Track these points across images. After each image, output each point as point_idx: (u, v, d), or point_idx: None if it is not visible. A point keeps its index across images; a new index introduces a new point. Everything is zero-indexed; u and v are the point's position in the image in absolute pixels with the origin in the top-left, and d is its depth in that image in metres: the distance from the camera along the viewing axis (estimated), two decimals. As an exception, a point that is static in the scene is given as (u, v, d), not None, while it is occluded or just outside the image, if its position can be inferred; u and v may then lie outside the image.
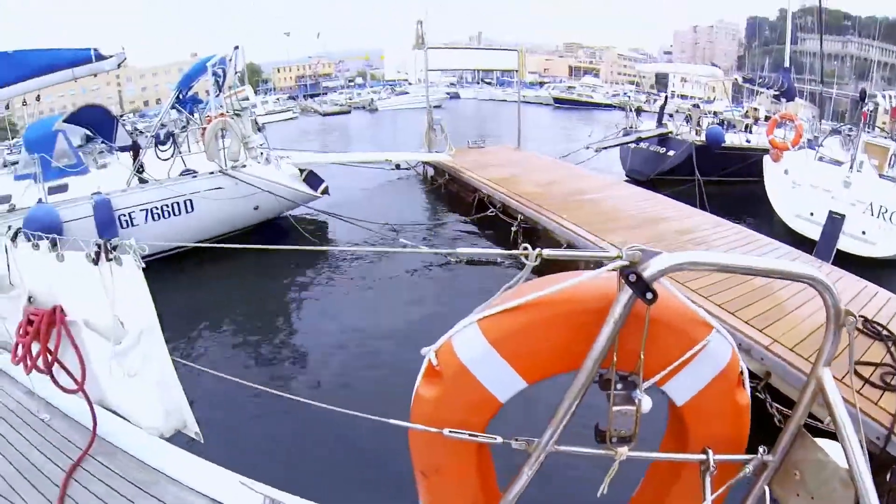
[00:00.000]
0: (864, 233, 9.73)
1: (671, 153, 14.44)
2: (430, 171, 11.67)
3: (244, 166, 7.96)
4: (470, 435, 1.44)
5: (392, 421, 1.48)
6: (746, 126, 17.95)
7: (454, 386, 1.45)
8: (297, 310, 5.92)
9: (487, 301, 1.50)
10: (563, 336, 1.39)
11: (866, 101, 12.61)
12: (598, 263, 1.34)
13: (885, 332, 5.03)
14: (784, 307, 5.35)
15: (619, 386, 1.41)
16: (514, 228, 8.00)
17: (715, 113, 18.40)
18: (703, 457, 1.49)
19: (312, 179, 8.54)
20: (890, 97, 14.33)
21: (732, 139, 15.62)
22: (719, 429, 1.54)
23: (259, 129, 9.02)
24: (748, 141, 15.91)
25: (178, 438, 2.36)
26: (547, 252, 1.34)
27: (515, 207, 8.30)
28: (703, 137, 14.50)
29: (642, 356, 1.36)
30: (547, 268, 1.47)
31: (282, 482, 2.02)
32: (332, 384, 4.68)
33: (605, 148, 14.65)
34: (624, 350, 1.37)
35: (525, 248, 1.36)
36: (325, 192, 8.60)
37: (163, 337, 2.13)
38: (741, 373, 1.53)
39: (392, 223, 7.91)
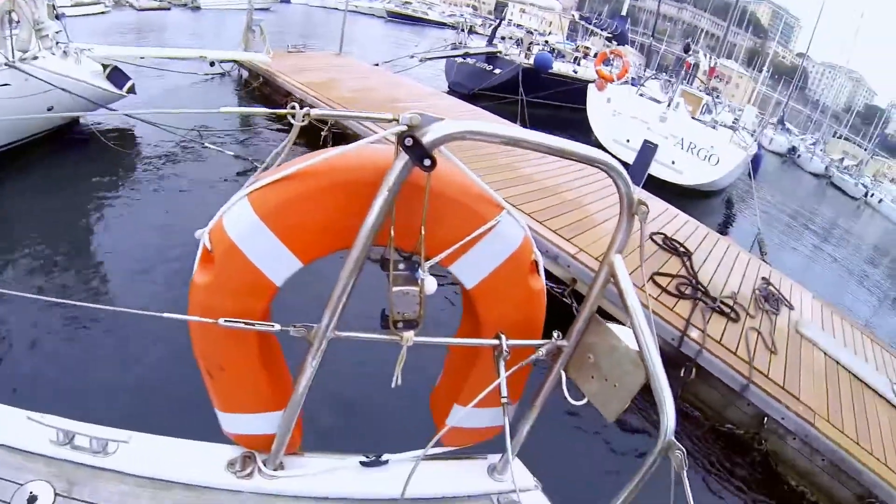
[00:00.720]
0: (673, 162, 11.02)
1: (497, 71, 14.63)
2: (245, 74, 10.57)
3: (35, 58, 6.50)
4: (245, 323, 1.28)
5: (165, 315, 1.26)
6: (576, 58, 19.01)
7: (226, 269, 1.27)
8: (93, 218, 5.07)
9: (258, 170, 1.28)
10: (337, 210, 1.24)
11: (689, 53, 14.27)
12: None
13: (681, 249, 5.76)
14: (592, 220, 5.78)
15: (401, 266, 1.31)
16: (323, 133, 7.56)
17: (547, 42, 19.05)
18: (495, 342, 1.46)
19: (117, 76, 7.21)
20: (709, 58, 16.26)
21: (560, 67, 16.42)
22: (512, 314, 1.52)
23: (57, 17, 7.33)
24: (575, 71, 16.88)
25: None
26: (315, 112, 1.15)
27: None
28: (531, 61, 14.94)
29: (423, 231, 1.26)
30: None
31: (78, 411, 1.70)
32: (128, 288, 4.14)
33: (430, 59, 14.32)
34: (405, 226, 1.26)
35: (293, 107, 1.15)
36: (132, 90, 7.31)
37: None
38: (535, 260, 1.51)
39: (200, 127, 6.99)
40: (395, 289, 1.29)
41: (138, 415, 2.59)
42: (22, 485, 1.38)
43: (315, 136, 7.39)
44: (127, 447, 1.55)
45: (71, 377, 3.21)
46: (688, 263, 5.44)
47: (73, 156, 6.07)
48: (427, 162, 1.11)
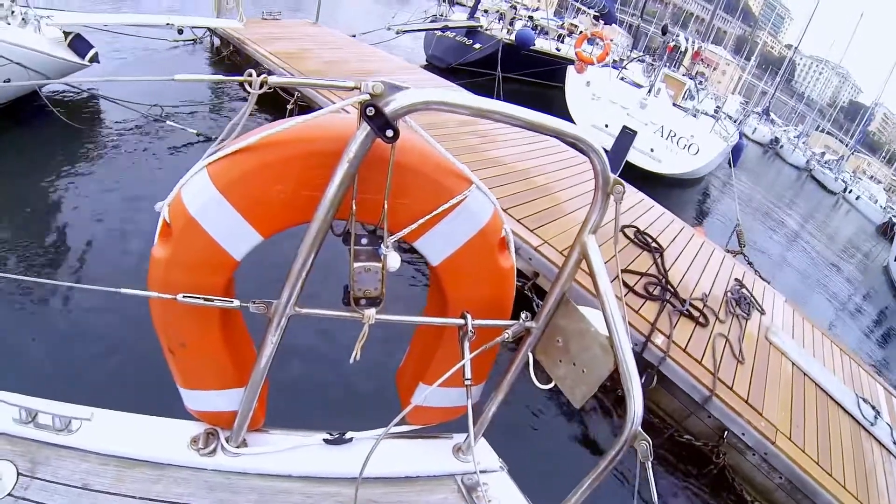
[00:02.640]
0: (652, 150, 10.79)
1: (477, 46, 14.13)
2: (217, 42, 10.16)
3: (-9, 28, 6.07)
4: (204, 299, 1.25)
5: (123, 290, 1.23)
6: (559, 36, 18.52)
7: (184, 243, 1.24)
8: (49, 193, 4.85)
9: (217, 141, 1.23)
10: (298, 181, 1.20)
11: (667, 34, 13.85)
12: None
13: (653, 245, 5.46)
14: (561, 209, 5.38)
15: (363, 241, 1.28)
16: (289, 106, 7.16)
17: (530, 17, 18.37)
18: (461, 321, 1.43)
19: (79, 44, 6.76)
20: (692, 42, 15.73)
21: (542, 44, 15.97)
22: (480, 293, 1.49)
23: (18, -18, 6.88)
24: (558, 49, 16.41)
25: None
26: (274, 79, 1.10)
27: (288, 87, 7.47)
28: (512, 37, 14.51)
29: (386, 205, 1.22)
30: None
31: (41, 389, 1.65)
32: (86, 263, 4.01)
33: (408, 31, 13.66)
34: (368, 199, 1.22)
35: (249, 75, 1.10)
36: (95, 59, 6.89)
37: None
38: (504, 237, 1.47)
39: (163, 102, 6.64)
40: (356, 264, 1.25)
41: (100, 391, 2.54)
42: None
43: (281, 109, 7.10)
44: (90, 424, 1.52)
45: (29, 354, 3.13)
46: (659, 261, 5.21)
47: (30, 129, 5.77)
48: (389, 133, 1.07)
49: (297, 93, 7.24)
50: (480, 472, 1.78)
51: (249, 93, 1.10)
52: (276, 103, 7.24)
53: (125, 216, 4.55)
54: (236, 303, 1.29)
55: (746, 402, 3.76)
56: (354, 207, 1.21)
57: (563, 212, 5.32)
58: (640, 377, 3.65)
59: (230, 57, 9.57)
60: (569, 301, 1.50)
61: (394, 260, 1.29)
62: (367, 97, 1.07)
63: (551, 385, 1.54)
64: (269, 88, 1.11)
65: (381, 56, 10.80)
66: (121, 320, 3.30)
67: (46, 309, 3.43)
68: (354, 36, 12.21)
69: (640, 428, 1.18)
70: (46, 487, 1.36)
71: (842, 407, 4.43)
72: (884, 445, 4.32)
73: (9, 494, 1.31)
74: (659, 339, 3.95)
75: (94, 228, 4.39)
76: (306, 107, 7.19)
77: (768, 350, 4.66)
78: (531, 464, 3.41)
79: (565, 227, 4.98)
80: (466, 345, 1.41)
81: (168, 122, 6.29)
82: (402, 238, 1.32)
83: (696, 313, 4.50)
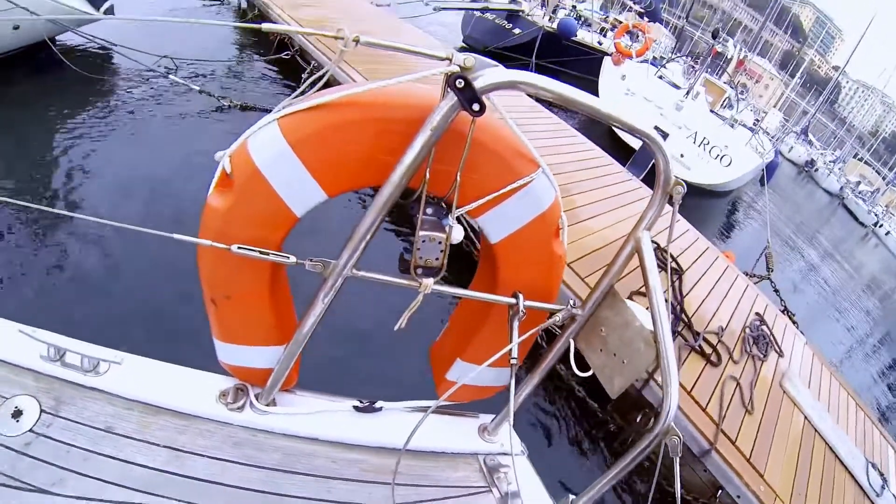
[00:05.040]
0: (682, 156, 10.31)
1: (517, 31, 13.64)
2: (244, 3, 9.96)
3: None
4: (261, 252, 1.24)
5: (176, 236, 1.22)
6: (602, 29, 17.99)
7: (246, 195, 1.23)
8: (59, 143, 4.83)
9: (293, 95, 1.22)
10: (372, 143, 1.19)
11: (717, 38, 13.19)
12: None
13: (673, 266, 5.00)
14: (574, 215, 4.95)
15: (429, 210, 1.27)
16: (304, 76, 6.64)
17: (574, 7, 17.85)
18: (513, 301, 1.44)
19: None
20: (738, 48, 15.16)
21: (584, 36, 15.48)
22: (532, 275, 1.50)
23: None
24: (600, 43, 15.86)
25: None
26: (365, 38, 1.08)
27: (311, 52, 7.08)
28: (554, 25, 14.11)
29: (458, 177, 1.22)
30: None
31: (69, 327, 1.65)
32: (119, 212, 4.03)
33: (446, 9, 13.18)
34: (440, 170, 1.21)
35: (340, 30, 1.08)
36: (110, 11, 6.56)
37: None
38: (560, 224, 1.48)
39: (178, 57, 6.27)
40: (421, 233, 1.25)
41: (130, 336, 2.57)
42: (7, 398, 1.35)
43: (297, 75, 6.85)
44: (119, 368, 1.52)
45: (61, 294, 3.16)
46: (676, 284, 4.81)
47: (43, 79, 5.61)
48: (476, 107, 1.06)
49: (312, 62, 6.94)
50: (504, 454, 1.79)
51: (342, 50, 1.08)
52: (293, 65, 7.16)
53: (138, 171, 4.52)
54: (293, 259, 1.28)
55: (748, 460, 3.42)
56: (428, 176, 1.20)
57: (576, 217, 4.93)
58: (636, 415, 3.20)
59: (254, 20, 9.25)
60: (616, 293, 1.51)
61: (458, 233, 1.29)
62: (457, 69, 1.06)
63: (589, 373, 1.55)
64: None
65: (409, 31, 10.22)
66: (150, 267, 3.32)
67: (78, 249, 3.45)
68: (389, 5, 11.63)
69: (672, 423, 1.19)
70: (69, 427, 1.36)
71: (850, 472, 4.09)
72: (887, 519, 3.98)
73: (30, 430, 1.31)
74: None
75: (107, 178, 4.36)
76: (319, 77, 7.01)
77: (781, 399, 4.28)
78: (549, 450, 3.42)
79: (579, 235, 4.59)
80: (516, 324, 1.41)
81: (174, 77, 5.97)
82: (467, 213, 1.31)
83: (708, 349, 4.10)
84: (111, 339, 1.66)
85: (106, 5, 6.30)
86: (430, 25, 12.23)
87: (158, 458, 1.39)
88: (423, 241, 1.26)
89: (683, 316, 4.30)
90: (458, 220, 1.30)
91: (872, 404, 7.80)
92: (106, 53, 6.48)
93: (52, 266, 3.31)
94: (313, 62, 7.02)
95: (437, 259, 1.30)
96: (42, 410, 1.36)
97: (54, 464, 1.28)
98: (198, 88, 5.70)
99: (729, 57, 14.21)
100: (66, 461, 1.30)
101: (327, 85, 1.22)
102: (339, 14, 9.42)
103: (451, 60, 1.07)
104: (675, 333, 4.09)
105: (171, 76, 5.98)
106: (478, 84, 1.05)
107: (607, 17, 20.01)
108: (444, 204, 1.29)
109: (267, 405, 1.61)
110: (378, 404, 1.74)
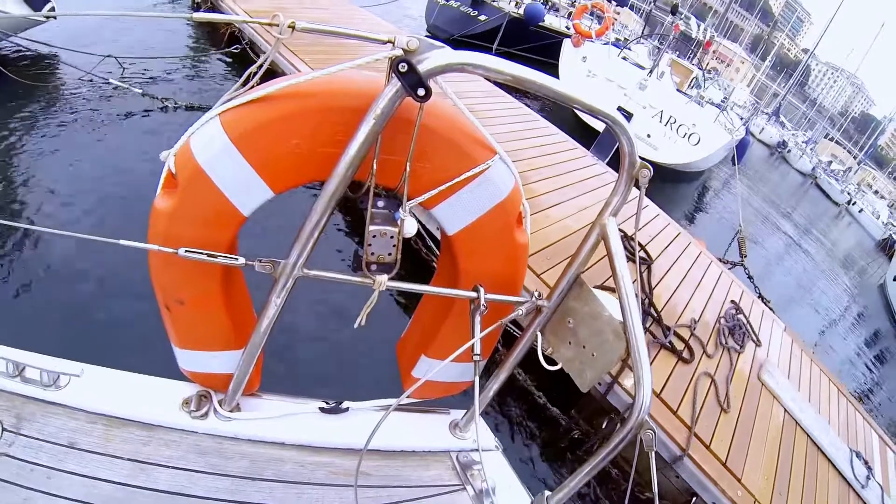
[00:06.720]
0: (648, 136, 10.05)
1: (483, 17, 13.30)
2: None
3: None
4: (207, 255, 1.19)
5: (123, 241, 1.16)
6: (570, 14, 17.54)
7: (190, 195, 1.17)
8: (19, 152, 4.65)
9: (232, 88, 1.17)
10: (316, 135, 1.14)
11: (677, 14, 12.89)
12: None
13: (641, 254, 4.73)
14: (537, 202, 4.77)
15: (380, 203, 1.23)
16: (252, 69, 6.84)
17: None
18: (473, 294, 1.40)
19: None
20: (703, 27, 15.00)
21: (552, 21, 15.19)
22: (494, 266, 1.45)
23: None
24: (568, 28, 15.30)
25: None
26: (302, 24, 1.03)
27: (261, 45, 6.85)
28: (521, 11, 13.72)
29: (408, 167, 1.17)
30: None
31: (26, 340, 1.61)
32: (79, 219, 3.91)
33: None
34: (389, 161, 1.17)
35: (275, 17, 1.03)
36: (52, 11, 6.21)
37: None
38: (521, 212, 1.43)
39: (125, 56, 5.92)
40: (371, 227, 1.21)
41: (89, 347, 2.48)
42: None
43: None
44: (79, 381, 1.48)
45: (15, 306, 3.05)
46: (645, 275, 4.52)
47: None
48: (421, 91, 1.02)
49: (262, 55, 6.82)
50: (476, 450, 1.76)
51: (278, 38, 1.03)
52: (245, 59, 6.87)
53: (94, 174, 4.37)
54: (241, 260, 1.23)
55: (724, 464, 3.21)
56: (375, 167, 1.15)
57: (539, 206, 4.71)
58: (602, 419, 3.11)
59: (208, 12, 8.94)
60: (583, 282, 1.47)
61: (411, 226, 1.24)
62: (401, 52, 1.01)
63: (558, 367, 1.50)
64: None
65: (371, 20, 9.86)
66: (106, 275, 3.23)
67: (28, 260, 3.34)
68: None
69: (647, 416, 1.16)
70: (31, 444, 1.32)
71: (833, 465, 3.94)
72: (872, 510, 3.88)
73: None
74: (629, 381, 3.23)
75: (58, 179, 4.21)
76: (269, 70, 6.91)
77: (759, 392, 4.08)
78: (522, 448, 3.38)
79: (542, 224, 4.42)
80: (478, 319, 1.37)
81: (115, 81, 5.62)
82: (421, 204, 1.27)
83: (680, 345, 3.83)
84: (70, 350, 1.60)
85: (48, 5, 5.97)
86: (402, 20, 12.09)
87: (122, 471, 1.35)
88: (374, 237, 1.22)
89: (652, 310, 4.03)
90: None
91: (853, 385, 7.80)
92: (47, 60, 6.10)
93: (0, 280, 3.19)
94: (263, 54, 6.78)
95: (389, 255, 1.26)
96: (3, 429, 1.32)
97: (19, 484, 1.24)
98: (140, 91, 5.48)
99: (693, 36, 14.09)
100: (28, 480, 1.25)
101: (276, 77, 1.17)
102: (292, 4, 9.04)
103: (393, 44, 1.02)
104: (643, 330, 3.89)
105: (111, 80, 5.65)
106: (422, 68, 1.01)
107: (575, 2, 19.78)
108: (396, 196, 1.25)
109: (231, 411, 1.56)
110: (344, 405, 1.70)
